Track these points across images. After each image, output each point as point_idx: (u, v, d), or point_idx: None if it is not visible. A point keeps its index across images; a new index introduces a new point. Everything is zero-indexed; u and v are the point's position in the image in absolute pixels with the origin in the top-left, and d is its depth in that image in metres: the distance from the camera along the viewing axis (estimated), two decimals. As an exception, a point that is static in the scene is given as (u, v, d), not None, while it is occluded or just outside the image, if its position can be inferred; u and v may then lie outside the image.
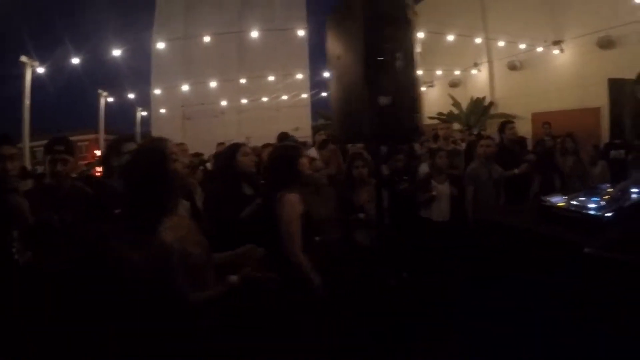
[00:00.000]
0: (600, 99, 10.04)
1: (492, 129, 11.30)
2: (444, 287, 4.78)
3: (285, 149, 3.45)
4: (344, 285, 3.72)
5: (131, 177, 2.31)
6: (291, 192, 3.16)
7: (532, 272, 3.39)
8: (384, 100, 2.63)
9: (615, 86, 7.31)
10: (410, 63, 2.76)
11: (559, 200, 3.84)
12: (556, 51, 14.17)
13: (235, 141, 4.52)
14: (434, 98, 18.27)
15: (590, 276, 2.83)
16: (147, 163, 2.26)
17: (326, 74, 14.25)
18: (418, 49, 2.92)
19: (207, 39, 14.37)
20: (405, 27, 2.77)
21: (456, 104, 16.36)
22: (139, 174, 2.26)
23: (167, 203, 2.27)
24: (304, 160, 3.89)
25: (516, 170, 6.34)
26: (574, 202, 3.72)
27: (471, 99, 16.29)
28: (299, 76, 17.44)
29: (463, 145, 8.40)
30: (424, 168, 6.53)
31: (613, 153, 7.70)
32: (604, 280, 2.77)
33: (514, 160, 6.69)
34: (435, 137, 8.98)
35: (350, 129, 2.88)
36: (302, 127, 16.74)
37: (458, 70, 17.06)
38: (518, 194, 6.21)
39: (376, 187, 4.29)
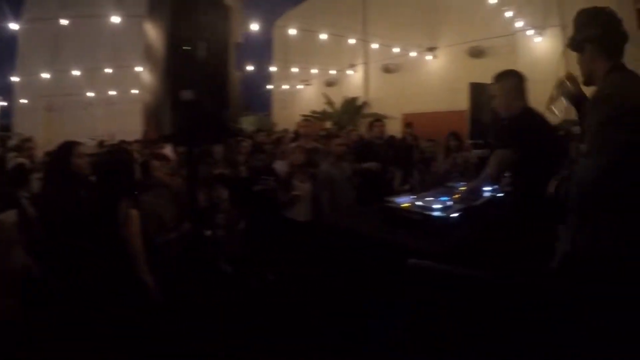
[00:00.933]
0: (465, 102, 10.56)
1: (363, 128, 11.48)
2: (308, 288, 4.56)
3: (114, 155, 3.16)
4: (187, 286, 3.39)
5: None
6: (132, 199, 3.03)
7: (373, 281, 3.25)
8: (186, 94, 2.29)
9: (476, 89, 7.51)
10: (222, 54, 2.44)
11: (404, 201, 3.68)
12: (429, 57, 14.91)
13: (71, 139, 4.00)
14: (309, 96, 18.33)
15: (416, 289, 2.68)
16: None
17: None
18: (239, 39, 2.64)
19: (65, 22, 12.99)
20: (219, 15, 2.45)
21: (330, 103, 16.45)
22: None
23: None
24: (155, 163, 3.60)
25: (364, 165, 6.35)
26: (419, 203, 3.57)
27: (345, 98, 16.44)
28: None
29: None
30: (280, 166, 6.34)
31: (475, 152, 8.05)
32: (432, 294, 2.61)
33: (375, 157, 6.72)
34: (295, 135, 8.87)
35: (155, 128, 2.52)
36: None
37: (334, 70, 17.13)
38: (377, 190, 6.18)
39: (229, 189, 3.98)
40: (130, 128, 12.02)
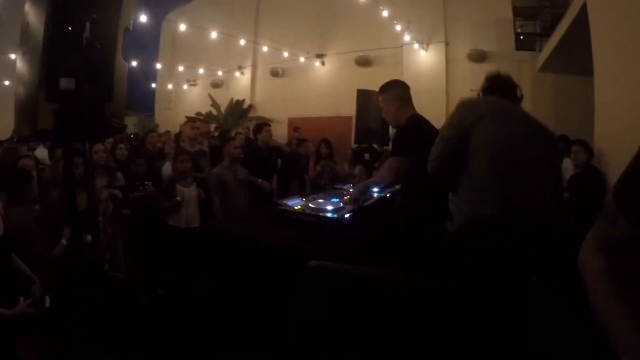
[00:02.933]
0: (352, 109, 10.91)
1: (249, 132, 11.33)
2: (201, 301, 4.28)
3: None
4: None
5: None
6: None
7: (268, 286, 3.10)
8: (65, 83, 1.94)
9: (362, 96, 7.72)
10: (110, 40, 2.11)
11: (296, 203, 3.58)
12: (318, 63, 15.09)
13: None
14: (195, 97, 17.78)
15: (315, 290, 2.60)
16: None
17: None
18: (129, 25, 2.32)
19: None
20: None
21: (215, 105, 16.06)
22: None
23: None
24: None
25: (259, 181, 6.37)
26: (312, 205, 3.47)
27: (231, 100, 16.10)
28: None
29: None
30: (167, 169, 6.01)
31: (367, 156, 8.25)
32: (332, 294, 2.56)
33: (265, 163, 6.74)
34: (177, 138, 8.56)
35: (28, 123, 2.12)
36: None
37: (222, 71, 16.75)
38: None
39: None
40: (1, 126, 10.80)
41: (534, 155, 2.53)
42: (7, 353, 2.39)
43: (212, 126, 15.31)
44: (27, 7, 2.26)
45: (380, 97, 3.70)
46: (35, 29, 2.13)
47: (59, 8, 2.02)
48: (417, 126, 3.43)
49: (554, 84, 11.39)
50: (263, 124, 7.49)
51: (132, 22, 2.33)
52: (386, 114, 3.66)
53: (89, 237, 3.63)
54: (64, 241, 3.63)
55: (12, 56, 12.86)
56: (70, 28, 2.00)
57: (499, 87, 2.98)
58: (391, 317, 2.32)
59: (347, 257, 2.81)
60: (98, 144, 4.95)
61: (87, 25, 1.99)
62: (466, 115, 2.63)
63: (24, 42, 2.32)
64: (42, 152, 5.92)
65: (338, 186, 4.63)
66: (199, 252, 4.87)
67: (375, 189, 4.04)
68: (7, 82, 13.79)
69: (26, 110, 2.15)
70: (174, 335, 4.02)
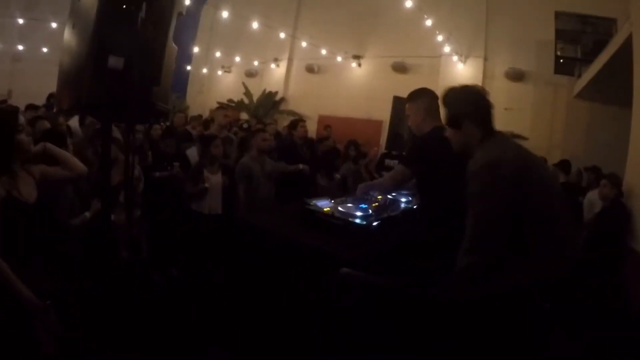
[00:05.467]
0: (384, 114, 10.88)
1: (279, 124, 11.33)
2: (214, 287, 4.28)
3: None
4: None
5: None
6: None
7: (291, 285, 3.10)
8: (114, 61, 1.92)
9: (398, 103, 7.71)
10: (164, 23, 2.09)
11: (325, 205, 3.58)
12: (354, 64, 15.04)
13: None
14: (228, 84, 17.85)
15: (346, 297, 2.60)
16: None
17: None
18: (182, 9, 2.31)
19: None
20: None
21: (248, 93, 16.08)
22: None
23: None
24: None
25: (301, 166, 6.44)
26: (341, 209, 3.47)
27: (264, 91, 16.12)
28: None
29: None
30: (192, 153, 6.02)
31: (387, 162, 8.20)
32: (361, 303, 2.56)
33: (299, 157, 6.80)
34: (207, 123, 8.57)
35: (70, 96, 2.11)
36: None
37: (257, 61, 16.78)
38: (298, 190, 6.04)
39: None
40: (35, 90, 10.89)
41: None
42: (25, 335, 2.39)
43: (243, 115, 15.31)
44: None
45: (407, 105, 3.64)
46: (88, 2, 2.12)
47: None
48: (434, 140, 3.23)
49: (588, 111, 11.23)
50: (298, 120, 7.52)
51: (185, 7, 2.32)
52: (412, 122, 3.61)
53: (87, 214, 3.66)
54: (87, 214, 3.63)
55: (53, 24, 13.15)
56: (125, 6, 1.99)
57: (490, 113, 2.63)
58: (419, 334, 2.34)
59: (372, 265, 2.81)
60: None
61: (144, 5, 1.98)
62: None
63: (75, 15, 2.30)
64: (73, 122, 5.94)
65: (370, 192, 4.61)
66: (220, 239, 4.87)
67: (403, 200, 4.03)
68: (45, 49, 14.01)
69: (70, 83, 2.15)
70: (178, 320, 4.00)
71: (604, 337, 3.98)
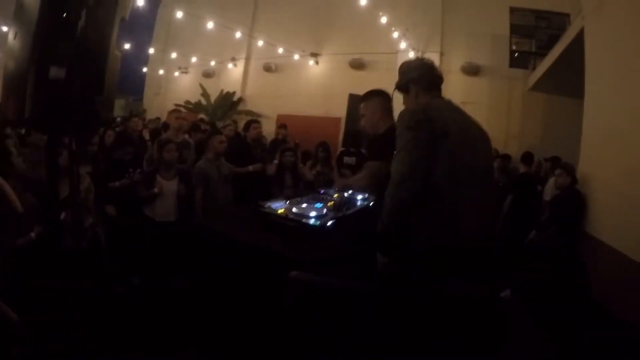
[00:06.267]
0: (342, 111, 10.95)
1: (238, 125, 11.25)
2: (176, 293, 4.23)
3: None
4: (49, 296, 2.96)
5: None
6: None
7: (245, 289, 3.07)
8: (55, 72, 1.87)
9: (354, 100, 7.73)
10: (105, 30, 2.04)
11: (279, 206, 3.53)
12: (312, 62, 15.04)
13: None
14: (185, 85, 17.62)
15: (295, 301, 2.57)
16: None
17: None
18: (125, 14, 2.25)
19: None
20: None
21: (205, 94, 15.91)
22: None
23: None
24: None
25: (250, 168, 6.38)
26: (295, 210, 3.42)
27: (221, 92, 15.97)
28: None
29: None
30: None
31: (346, 159, 8.23)
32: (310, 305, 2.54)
33: (252, 158, 6.71)
34: (164, 127, 8.45)
35: (14, 107, 2.04)
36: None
37: (214, 62, 16.61)
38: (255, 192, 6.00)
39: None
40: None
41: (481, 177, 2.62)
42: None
43: (201, 116, 15.15)
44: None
45: (362, 104, 3.72)
46: (30, 9, 2.05)
47: (56, -6, 1.94)
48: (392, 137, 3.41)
49: (544, 103, 11.53)
50: (252, 121, 7.46)
51: (129, 11, 2.27)
52: (367, 121, 3.69)
53: (33, 235, 3.58)
54: (32, 234, 3.54)
55: (4, 28, 12.67)
56: (65, 14, 1.94)
57: (438, 82, 2.95)
58: (370, 331, 2.31)
59: (327, 267, 2.80)
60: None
61: (83, 13, 1.92)
62: (432, 128, 2.53)
63: (18, 21, 2.23)
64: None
65: (323, 190, 4.58)
66: (173, 246, 4.81)
67: (359, 197, 4.03)
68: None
69: (13, 93, 2.08)
70: (143, 329, 3.96)
71: (565, 321, 4.07)
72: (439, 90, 2.92)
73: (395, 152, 2.57)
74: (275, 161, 6.71)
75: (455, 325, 2.24)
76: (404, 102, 2.97)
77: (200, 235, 3.65)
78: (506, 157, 8.94)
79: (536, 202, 7.23)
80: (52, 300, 2.78)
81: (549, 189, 7.01)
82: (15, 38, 2.23)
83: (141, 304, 4.51)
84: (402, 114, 2.69)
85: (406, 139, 2.52)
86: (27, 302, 2.65)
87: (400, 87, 2.97)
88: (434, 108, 2.64)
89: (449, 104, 2.82)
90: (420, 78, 2.87)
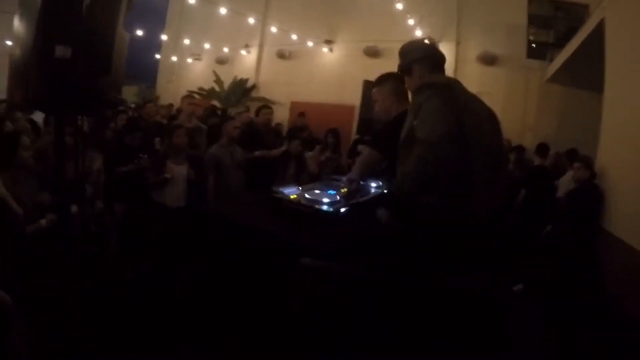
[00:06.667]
0: (356, 99, 10.90)
1: (250, 111, 11.24)
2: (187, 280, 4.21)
3: None
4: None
5: None
6: None
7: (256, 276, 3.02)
8: (61, 51, 1.81)
9: (368, 87, 7.61)
10: (112, 9, 1.98)
11: (292, 192, 3.45)
12: (326, 49, 14.90)
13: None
14: (198, 72, 17.59)
15: (307, 288, 2.53)
16: None
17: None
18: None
19: None
20: (112, -40, 1.98)
21: (219, 81, 15.86)
22: None
23: None
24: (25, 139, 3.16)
25: (273, 152, 6.41)
26: (308, 196, 3.35)
27: (235, 78, 15.89)
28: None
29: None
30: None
31: (360, 147, 8.15)
32: (321, 293, 2.49)
33: (262, 143, 6.65)
34: (178, 113, 8.44)
35: (21, 90, 1.99)
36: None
37: (227, 48, 16.54)
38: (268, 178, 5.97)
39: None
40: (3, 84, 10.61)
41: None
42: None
43: (214, 102, 15.11)
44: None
45: (375, 89, 3.57)
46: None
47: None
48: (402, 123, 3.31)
49: (561, 95, 11.32)
50: (263, 107, 7.42)
51: (137, -8, 2.21)
52: (379, 106, 3.55)
53: (75, 208, 3.55)
54: (43, 221, 3.50)
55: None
56: (70, -6, 1.88)
57: (442, 63, 2.82)
58: (382, 319, 2.28)
59: (340, 253, 2.72)
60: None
61: (91, -10, 1.86)
62: (452, 108, 2.39)
63: (23, 3, 2.18)
64: (40, 116, 5.75)
65: (336, 177, 4.50)
66: (182, 231, 4.78)
67: (374, 185, 3.96)
68: (8, 42, 13.60)
69: (19, 76, 2.04)
70: (157, 318, 3.94)
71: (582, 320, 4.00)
72: (443, 71, 2.80)
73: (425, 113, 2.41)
74: (283, 148, 6.64)
75: (460, 319, 2.19)
76: (407, 86, 2.89)
77: (209, 220, 3.61)
78: (521, 149, 8.78)
79: (551, 197, 7.09)
80: (54, 299, 2.76)
81: (565, 183, 6.87)
82: (21, 20, 2.18)
83: (149, 291, 4.47)
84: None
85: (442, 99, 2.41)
86: (29, 301, 2.61)
87: (404, 69, 2.84)
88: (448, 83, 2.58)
89: (457, 82, 2.72)
90: (425, 58, 2.75)
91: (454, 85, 2.58)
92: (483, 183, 2.40)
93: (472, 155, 2.35)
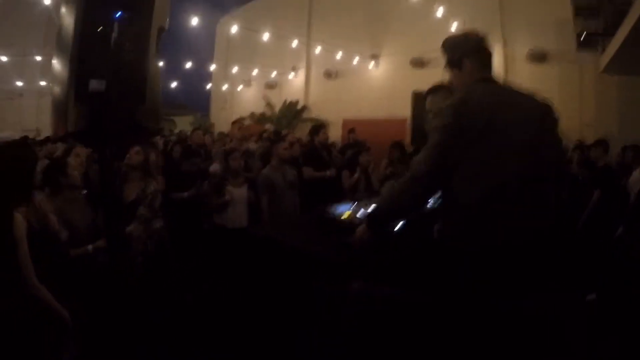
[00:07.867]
0: (406, 111, 10.80)
1: (302, 132, 11.32)
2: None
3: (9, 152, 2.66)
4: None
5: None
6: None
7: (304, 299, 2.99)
8: (95, 85, 1.88)
9: (418, 99, 7.48)
10: (142, 40, 2.03)
11: (345, 209, 3.39)
12: (371, 64, 14.99)
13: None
14: (249, 98, 17.98)
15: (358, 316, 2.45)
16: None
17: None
18: (164, 24, 2.24)
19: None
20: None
21: (270, 105, 16.14)
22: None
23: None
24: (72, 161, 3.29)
25: (328, 172, 6.44)
26: (359, 215, 3.25)
27: (285, 101, 16.10)
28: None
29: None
30: (215, 168, 6.01)
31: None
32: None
33: (323, 163, 6.71)
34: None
35: (60, 122, 2.08)
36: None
37: (275, 72, 16.83)
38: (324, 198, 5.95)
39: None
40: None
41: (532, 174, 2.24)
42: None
43: (267, 126, 15.37)
44: (63, 10, 2.21)
45: (428, 99, 3.41)
46: (67, 29, 2.09)
47: (88, 8, 1.97)
48: None
49: (618, 86, 10.86)
50: (319, 126, 7.47)
51: (167, 21, 2.27)
52: (432, 117, 3.43)
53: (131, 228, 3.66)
54: (90, 247, 3.59)
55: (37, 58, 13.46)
56: (99, 28, 1.95)
57: (491, 60, 2.50)
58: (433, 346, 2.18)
59: (392, 276, 2.64)
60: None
61: (115, 25, 1.93)
62: (472, 117, 2.20)
63: (58, 45, 2.28)
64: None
65: None
66: (242, 253, 4.82)
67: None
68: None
69: (60, 112, 2.12)
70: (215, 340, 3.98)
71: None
72: (491, 69, 2.48)
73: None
74: (357, 175, 6.59)
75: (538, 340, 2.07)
76: (454, 82, 2.58)
77: (260, 244, 3.62)
78: (584, 147, 8.30)
79: (623, 197, 6.68)
80: (107, 318, 2.82)
81: (636, 182, 6.43)
82: (57, 59, 2.28)
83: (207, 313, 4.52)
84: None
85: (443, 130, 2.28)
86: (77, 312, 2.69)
87: (453, 62, 2.52)
88: (476, 102, 2.26)
89: (500, 89, 2.47)
90: (478, 52, 2.45)
91: (478, 103, 2.28)
92: (520, 198, 2.19)
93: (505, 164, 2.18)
